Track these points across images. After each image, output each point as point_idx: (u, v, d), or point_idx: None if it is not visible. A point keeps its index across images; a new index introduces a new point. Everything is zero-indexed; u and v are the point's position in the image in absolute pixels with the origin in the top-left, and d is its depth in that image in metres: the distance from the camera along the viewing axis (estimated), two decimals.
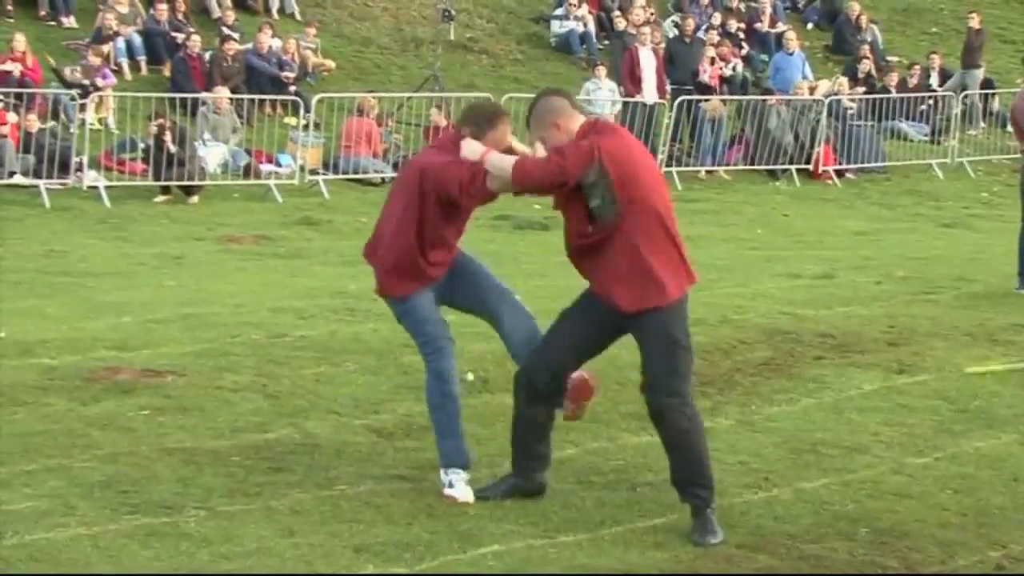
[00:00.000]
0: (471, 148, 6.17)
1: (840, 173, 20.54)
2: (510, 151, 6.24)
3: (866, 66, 22.75)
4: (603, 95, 19.49)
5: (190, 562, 5.45)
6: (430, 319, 6.47)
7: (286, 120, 18.91)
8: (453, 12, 21.99)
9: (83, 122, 16.75)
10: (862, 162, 20.74)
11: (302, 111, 17.97)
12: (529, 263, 13.06)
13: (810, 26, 26.11)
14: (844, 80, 21.96)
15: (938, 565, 5.82)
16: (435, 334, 6.45)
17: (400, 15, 23.38)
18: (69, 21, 20.44)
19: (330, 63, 20.85)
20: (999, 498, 6.73)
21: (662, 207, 6.10)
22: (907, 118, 22.08)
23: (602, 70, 20.09)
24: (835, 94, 21.16)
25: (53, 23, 20.35)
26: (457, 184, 6.15)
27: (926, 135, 22.16)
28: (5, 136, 16.14)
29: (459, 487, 6.36)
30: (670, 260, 6.12)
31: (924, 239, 16.35)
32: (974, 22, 23.89)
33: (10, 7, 20.22)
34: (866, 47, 23.44)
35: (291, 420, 7.44)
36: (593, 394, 6.53)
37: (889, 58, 24.58)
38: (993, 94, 23.29)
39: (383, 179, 17.75)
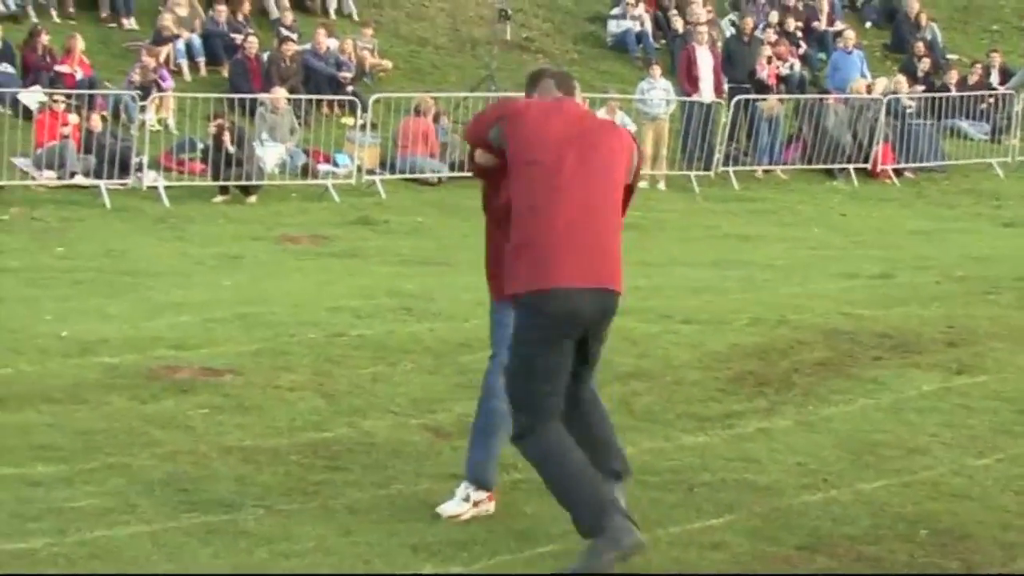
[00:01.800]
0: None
1: (899, 172, 20.36)
2: None
3: (925, 64, 22.55)
4: (657, 94, 19.42)
5: (249, 560, 5.48)
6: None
7: (343, 120, 18.98)
8: (510, 12, 21.99)
9: (143, 123, 16.88)
10: (921, 161, 20.56)
11: (359, 111, 18.04)
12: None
13: (868, 24, 25.92)
14: (902, 78, 21.77)
15: (999, 567, 5.76)
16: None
17: (457, 15, 23.41)
18: (130, 23, 20.61)
19: (387, 63, 20.93)
20: None
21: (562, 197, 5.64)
22: (967, 117, 21.86)
23: (657, 69, 20.02)
24: (893, 92, 20.98)
25: (114, 25, 20.53)
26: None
27: (986, 134, 21.91)
28: (67, 137, 16.30)
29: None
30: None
31: (984, 238, 16.18)
32: None
33: (71, 9, 20.41)
34: (922, 45, 23.24)
35: (348, 419, 7.47)
36: None
37: (949, 56, 24.37)
38: None
39: (439, 179, 17.78)
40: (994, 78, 23.06)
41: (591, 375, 5.87)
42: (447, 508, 6.08)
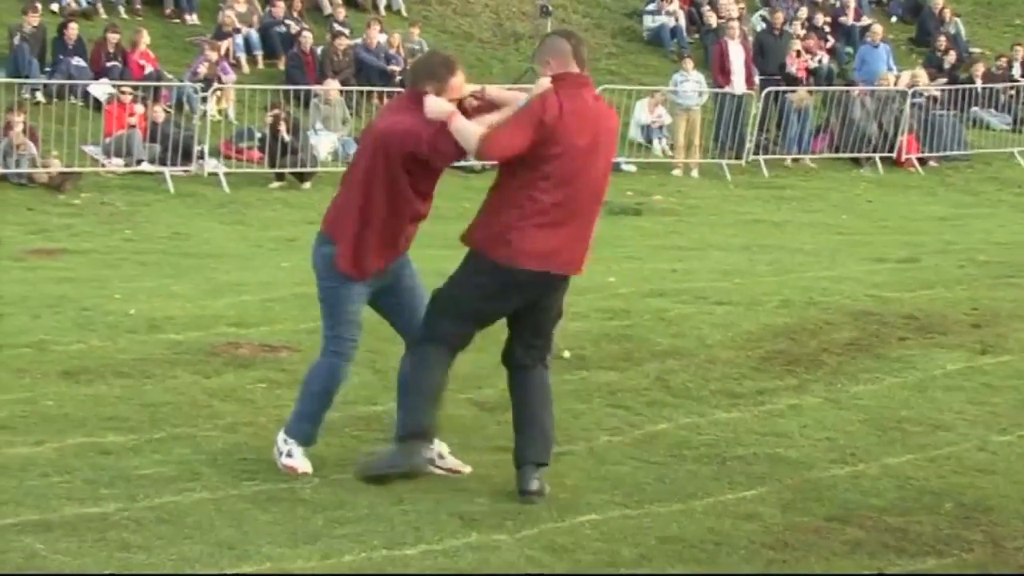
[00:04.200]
0: (438, 108, 5.80)
1: (923, 161, 20.22)
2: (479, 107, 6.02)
3: (951, 57, 22.37)
4: (690, 86, 19.35)
5: (306, 526, 5.49)
6: (355, 317, 6.09)
7: None
8: (551, 7, 21.92)
9: (205, 113, 16.94)
10: (945, 150, 20.40)
11: None
12: (624, 247, 13.02)
13: (894, 19, 25.70)
14: (922, 72, 21.61)
15: (1022, 539, 5.71)
16: (354, 334, 6.09)
17: (500, 11, 23.37)
18: (192, 19, 20.68)
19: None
20: None
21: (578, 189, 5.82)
22: (990, 107, 21.68)
23: (689, 63, 19.96)
24: (915, 85, 20.82)
25: (178, 20, 20.59)
26: (426, 145, 5.76)
27: (1008, 124, 21.73)
28: (134, 126, 16.39)
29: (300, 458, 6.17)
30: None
31: (1006, 224, 16.04)
32: None
33: (139, 6, 20.49)
34: (945, 39, 23.05)
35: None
36: None
37: (972, 50, 24.15)
38: None
39: (483, 166, 17.76)
40: (1016, 70, 22.83)
41: (543, 349, 6.08)
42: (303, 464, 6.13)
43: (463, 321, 6.01)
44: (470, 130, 5.79)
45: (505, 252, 5.81)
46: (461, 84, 5.98)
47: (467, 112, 5.94)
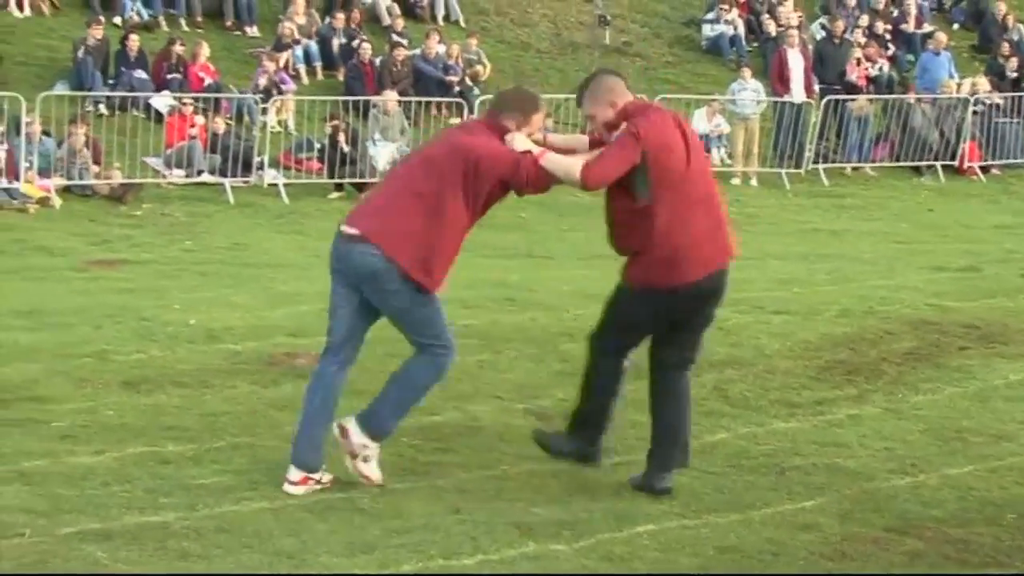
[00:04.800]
0: (524, 146, 5.94)
1: (985, 169, 20.01)
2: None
3: (1013, 64, 22.14)
4: (747, 95, 19.28)
5: (363, 535, 5.52)
6: (443, 312, 6.05)
7: (450, 121, 19.03)
8: (609, 17, 21.91)
9: (264, 124, 17.08)
10: (1007, 158, 20.18)
11: (465, 112, 18.07)
12: None
13: (956, 26, 25.46)
14: (982, 79, 21.39)
15: None
16: (449, 329, 6.06)
17: (558, 21, 23.37)
18: (252, 31, 20.84)
19: (479, 68, 20.72)
20: None
21: (673, 207, 5.98)
22: None
23: (747, 71, 19.88)
24: (975, 92, 20.61)
25: (238, 33, 20.76)
26: (523, 174, 5.86)
27: None
28: (195, 137, 16.54)
29: (375, 464, 6.10)
30: (661, 257, 6.00)
31: None
32: None
33: (199, 18, 20.69)
34: (1008, 45, 22.81)
35: (456, 404, 7.49)
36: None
37: None
38: None
39: None
40: None
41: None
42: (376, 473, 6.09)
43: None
44: (568, 161, 5.95)
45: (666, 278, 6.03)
46: (541, 122, 6.12)
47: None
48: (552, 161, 5.92)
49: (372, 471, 6.09)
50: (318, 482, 6.06)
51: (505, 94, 6.39)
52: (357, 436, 6.06)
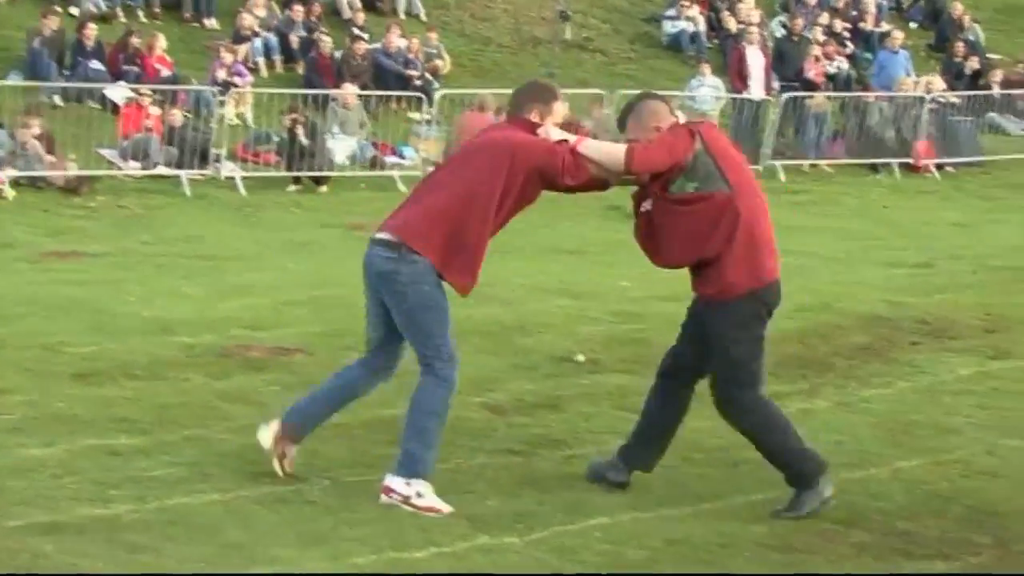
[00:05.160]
0: (558, 134, 5.83)
1: (940, 166, 20.17)
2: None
3: (973, 63, 22.36)
4: (707, 91, 19.37)
5: (314, 527, 5.51)
6: (449, 322, 5.82)
7: (410, 115, 19.02)
8: (570, 13, 21.94)
9: (222, 117, 17.00)
10: (961, 156, 20.35)
11: (425, 106, 18.07)
12: (638, 251, 12.98)
13: (913, 25, 25.66)
14: (936, 78, 21.59)
15: None
16: (453, 339, 5.84)
17: (519, 15, 23.39)
18: (211, 23, 20.75)
19: (439, 62, 20.71)
20: None
21: (757, 194, 5.99)
22: (1007, 114, 21.66)
23: (706, 68, 19.97)
24: (931, 91, 20.79)
25: (196, 24, 20.67)
26: (560, 161, 5.71)
27: None
28: (151, 129, 16.44)
29: (432, 496, 5.82)
30: (748, 252, 5.88)
31: (1020, 230, 15.97)
32: None
33: (157, 9, 20.57)
34: (963, 45, 23.02)
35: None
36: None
37: (990, 56, 24.10)
38: None
39: None
40: None
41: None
42: (440, 503, 5.82)
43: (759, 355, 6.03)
44: (609, 145, 5.91)
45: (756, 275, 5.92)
46: (562, 110, 6.00)
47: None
48: (591, 146, 5.83)
49: (434, 503, 5.78)
50: (285, 454, 6.00)
51: (520, 90, 6.16)
52: (400, 486, 5.82)
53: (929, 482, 6.42)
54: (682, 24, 23.13)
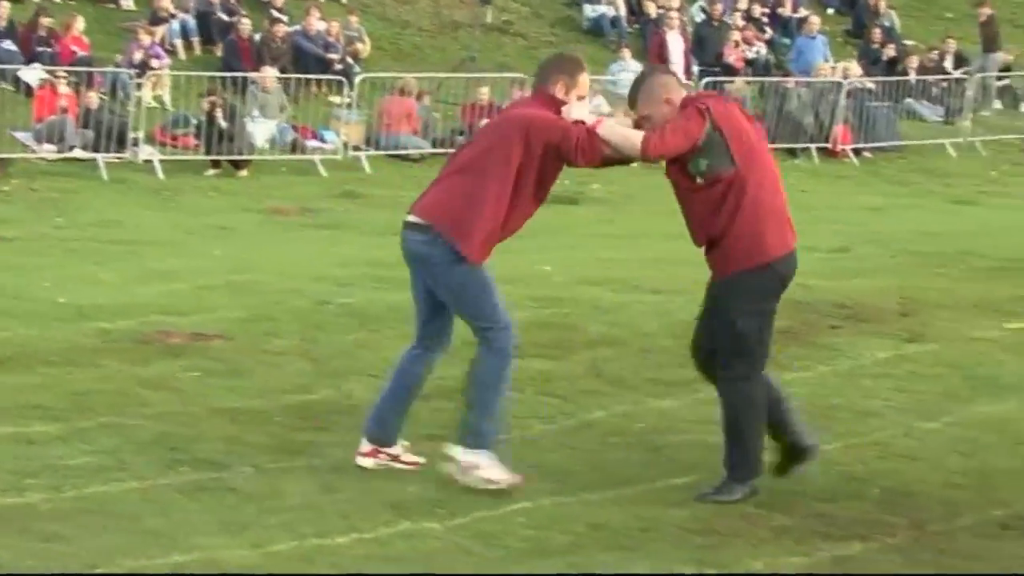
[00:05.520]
0: (580, 114, 5.86)
1: (857, 151, 20.41)
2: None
3: (890, 50, 22.64)
4: (627, 76, 19.38)
5: (236, 515, 5.47)
6: (496, 291, 5.92)
7: (330, 98, 18.90)
8: None
9: (139, 99, 16.78)
10: (878, 141, 20.60)
11: (346, 90, 17.97)
12: (559, 236, 13.03)
13: (830, 11, 25.89)
14: (853, 64, 21.83)
15: (943, 523, 5.79)
16: (503, 308, 5.90)
17: None
18: (127, 3, 20.45)
19: (360, 45, 20.56)
20: (1003, 461, 6.68)
21: (768, 168, 6.02)
22: (923, 99, 21.97)
23: (627, 52, 20.05)
24: (847, 76, 21.02)
25: (112, 5, 20.35)
26: (574, 139, 5.75)
27: (940, 116, 22.03)
28: (66, 111, 16.20)
29: (498, 467, 5.93)
30: (754, 226, 5.91)
31: (935, 215, 16.23)
32: (981, 17, 23.80)
33: None
34: (879, 31, 23.31)
35: (331, 382, 7.46)
36: None
37: (905, 42, 24.42)
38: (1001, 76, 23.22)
39: (421, 155, 17.74)
40: (948, 63, 23.12)
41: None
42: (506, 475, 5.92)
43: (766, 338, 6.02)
44: (626, 130, 5.88)
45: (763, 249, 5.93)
46: (588, 83, 6.03)
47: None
48: (609, 129, 5.83)
49: (495, 474, 5.88)
50: (391, 456, 6.09)
51: (545, 62, 6.21)
52: (465, 455, 5.90)
53: (848, 464, 6.49)
54: (602, 8, 23.18)
